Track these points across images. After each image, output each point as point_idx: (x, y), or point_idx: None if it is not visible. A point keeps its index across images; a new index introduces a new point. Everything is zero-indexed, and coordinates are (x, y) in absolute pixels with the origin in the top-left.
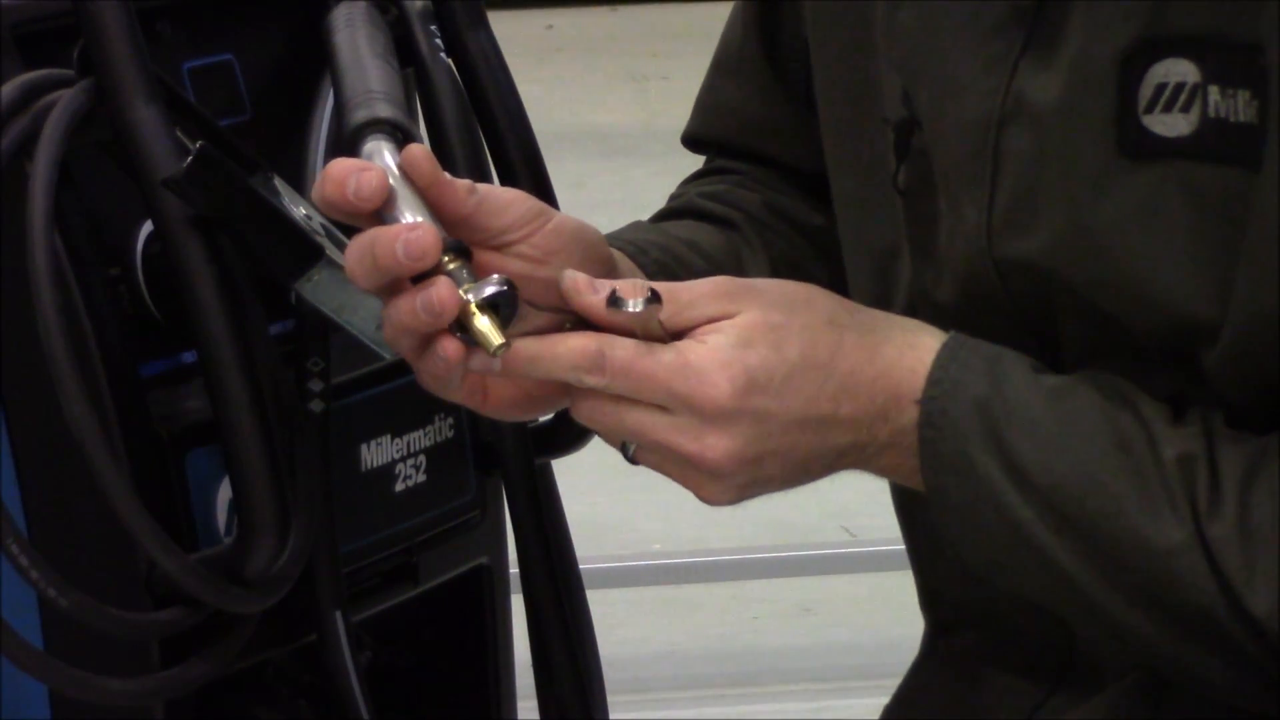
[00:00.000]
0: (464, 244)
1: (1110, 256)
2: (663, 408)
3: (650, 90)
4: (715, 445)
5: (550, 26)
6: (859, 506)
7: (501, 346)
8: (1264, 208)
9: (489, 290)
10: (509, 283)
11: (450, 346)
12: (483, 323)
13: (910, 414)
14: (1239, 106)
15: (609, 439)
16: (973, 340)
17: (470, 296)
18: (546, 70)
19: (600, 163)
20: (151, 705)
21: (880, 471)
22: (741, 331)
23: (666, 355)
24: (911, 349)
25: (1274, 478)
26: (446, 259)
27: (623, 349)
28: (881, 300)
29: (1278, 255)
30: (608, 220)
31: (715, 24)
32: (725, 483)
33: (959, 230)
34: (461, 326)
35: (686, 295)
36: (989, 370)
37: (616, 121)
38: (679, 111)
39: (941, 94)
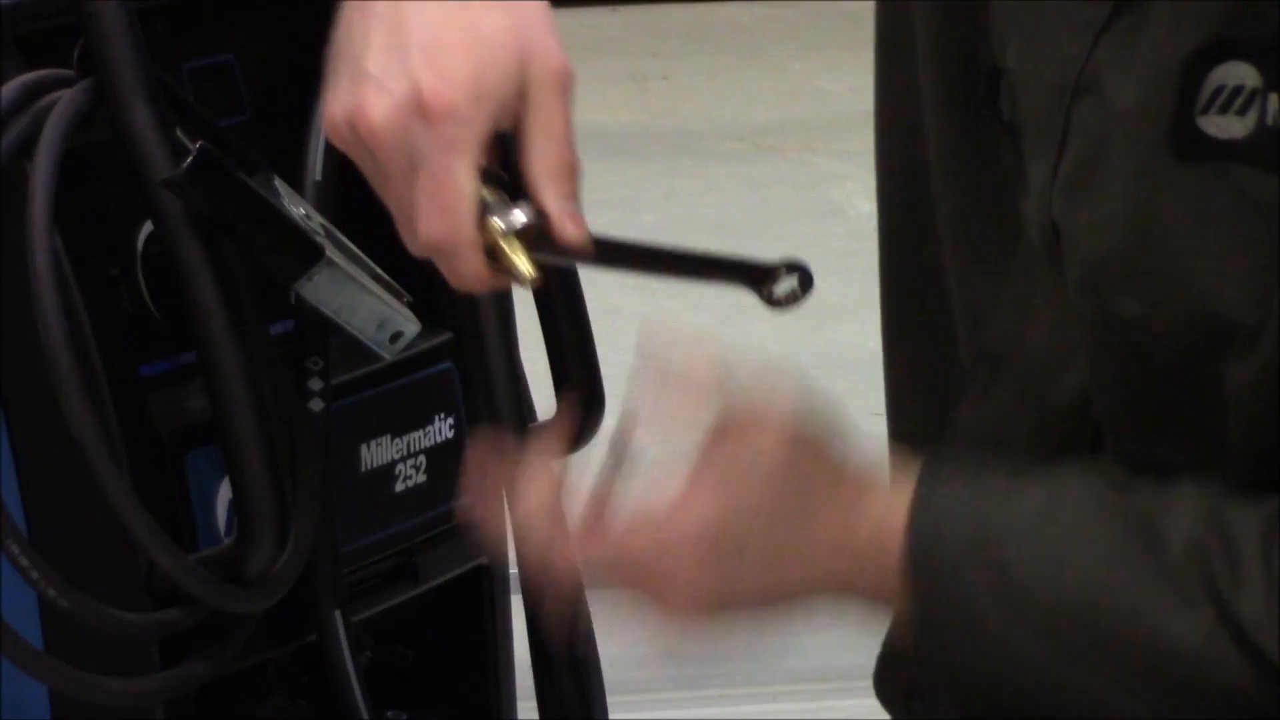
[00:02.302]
0: (500, 172)
1: (1157, 248)
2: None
3: (650, 90)
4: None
5: None
6: None
7: (534, 278)
8: None
9: (520, 220)
10: (537, 213)
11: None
12: (514, 252)
13: (872, 574)
14: None
15: None
16: (945, 470)
17: (503, 226)
18: None
19: (600, 163)
20: (151, 705)
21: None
22: (703, 539)
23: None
24: (879, 532)
25: None
26: (482, 187)
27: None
28: (1004, 234)
29: None
30: (607, 220)
31: (715, 24)
32: (689, 574)
33: (1033, 184)
34: (493, 255)
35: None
36: (971, 492)
37: (616, 121)
38: (679, 111)
39: (1028, 50)
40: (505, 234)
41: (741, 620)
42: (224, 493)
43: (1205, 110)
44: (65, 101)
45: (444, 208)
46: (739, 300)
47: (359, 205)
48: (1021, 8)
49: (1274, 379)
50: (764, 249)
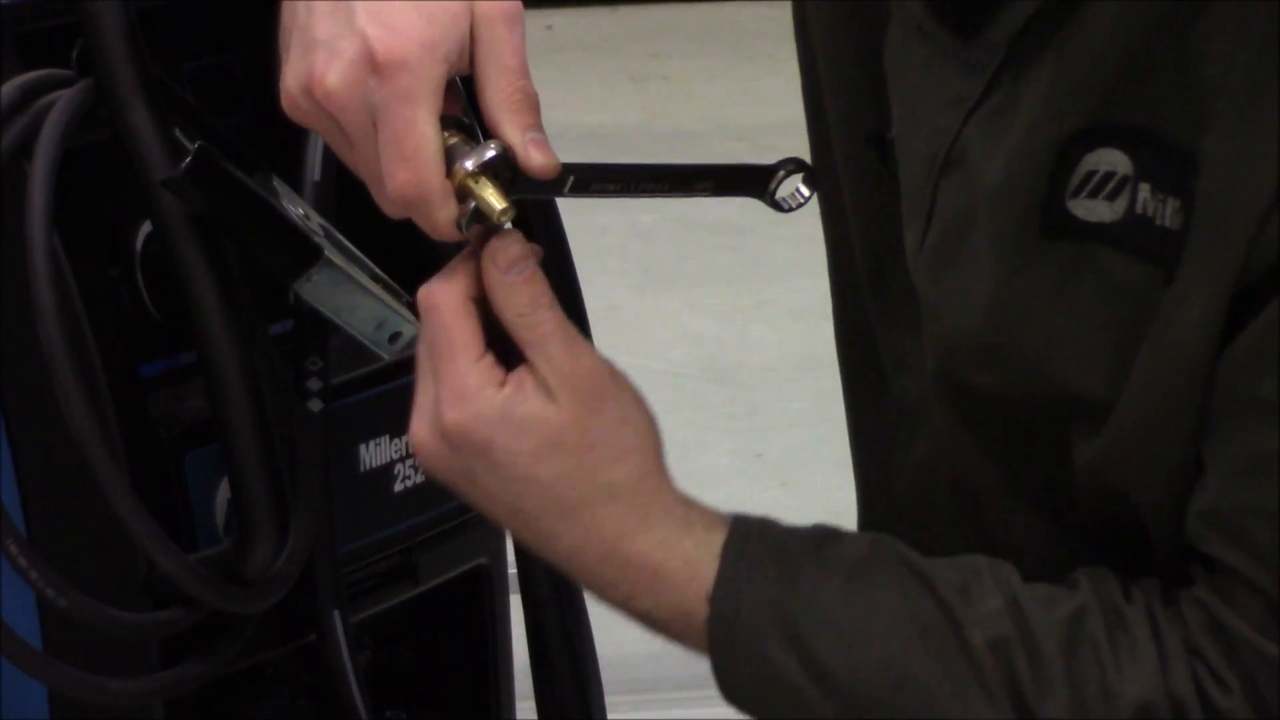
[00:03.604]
0: (463, 119)
1: (1015, 326)
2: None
3: (650, 90)
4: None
5: (550, 27)
6: None
7: (506, 211)
8: (1167, 321)
9: (485, 155)
10: (503, 148)
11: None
12: (484, 190)
13: (682, 603)
14: (1167, 212)
15: None
16: (757, 528)
17: (469, 166)
18: (546, 70)
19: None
20: (151, 705)
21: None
22: (554, 424)
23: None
24: (688, 536)
25: (1095, 646)
26: (447, 134)
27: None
28: (911, 289)
29: (1168, 367)
30: (607, 220)
31: (715, 24)
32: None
33: (907, 250)
34: (465, 199)
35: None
36: (778, 565)
37: (616, 121)
38: (679, 111)
39: (907, 119)
40: (472, 173)
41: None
42: (224, 493)
43: (1075, 194)
44: (64, 101)
45: (408, 158)
46: (737, 300)
47: (359, 205)
48: (904, 77)
49: (1118, 457)
50: (764, 248)
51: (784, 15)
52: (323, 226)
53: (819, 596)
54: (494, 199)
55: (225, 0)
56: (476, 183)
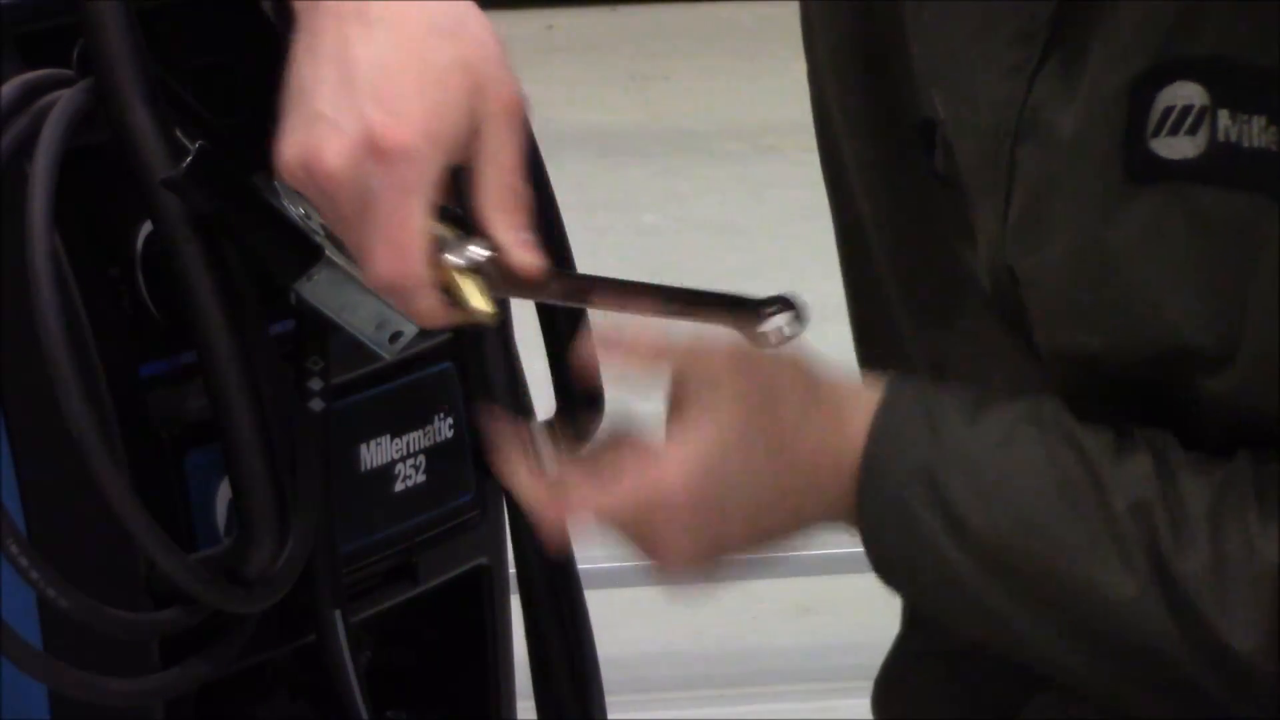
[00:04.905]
0: (456, 210)
1: (1115, 279)
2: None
3: (650, 90)
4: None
5: (550, 26)
6: None
7: (490, 316)
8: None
9: (474, 254)
10: (491, 247)
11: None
12: (468, 288)
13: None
14: (1254, 132)
15: None
16: (910, 387)
17: (457, 262)
18: (546, 70)
19: (600, 163)
20: (151, 705)
21: (836, 520)
22: (684, 508)
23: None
24: (855, 417)
25: (1244, 509)
26: (436, 224)
27: (581, 493)
28: (948, 286)
29: None
30: (607, 221)
31: (715, 24)
32: (682, 521)
33: (982, 232)
34: (450, 292)
35: (699, 362)
36: (928, 420)
37: (616, 121)
38: (679, 111)
39: (958, 99)
40: (459, 270)
41: (738, 562)
42: (224, 493)
43: (1156, 133)
44: (65, 101)
45: (396, 247)
46: None
47: None
48: (945, 58)
49: (1252, 384)
50: (766, 249)
51: (784, 15)
52: (323, 226)
53: (965, 452)
54: (477, 299)
55: (225, 0)
56: (461, 278)
